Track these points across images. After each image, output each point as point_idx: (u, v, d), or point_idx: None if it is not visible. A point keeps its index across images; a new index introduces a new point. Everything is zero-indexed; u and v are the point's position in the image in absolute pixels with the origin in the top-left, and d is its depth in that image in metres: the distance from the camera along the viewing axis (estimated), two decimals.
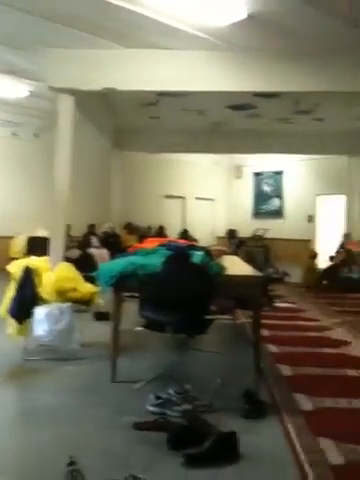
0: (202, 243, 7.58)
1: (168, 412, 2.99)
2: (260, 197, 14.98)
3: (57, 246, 6.84)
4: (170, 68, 7.15)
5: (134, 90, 7.36)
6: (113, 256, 5.17)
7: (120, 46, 7.07)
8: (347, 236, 12.50)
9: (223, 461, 2.47)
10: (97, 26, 6.50)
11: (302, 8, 5.68)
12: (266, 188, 14.90)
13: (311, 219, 14.08)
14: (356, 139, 12.60)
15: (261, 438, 2.80)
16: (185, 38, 6.67)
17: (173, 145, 12.13)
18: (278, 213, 14.62)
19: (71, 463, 2.26)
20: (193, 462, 2.43)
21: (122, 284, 3.58)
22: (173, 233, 12.40)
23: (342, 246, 12.29)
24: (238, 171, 15.29)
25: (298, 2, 5.54)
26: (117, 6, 5.80)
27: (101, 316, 5.43)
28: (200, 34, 6.55)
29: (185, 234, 12.30)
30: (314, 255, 9.73)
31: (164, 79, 7.13)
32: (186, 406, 3.03)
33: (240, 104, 9.65)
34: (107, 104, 10.05)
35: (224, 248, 7.78)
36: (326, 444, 2.69)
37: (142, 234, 11.80)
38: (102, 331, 4.44)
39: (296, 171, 14.26)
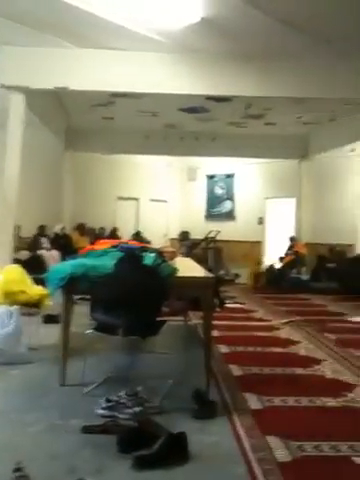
0: (155, 245, 7.59)
1: (118, 415, 2.97)
2: (213, 199, 15.14)
3: (5, 247, 6.69)
4: (123, 69, 7.14)
5: (87, 90, 7.31)
6: (64, 258, 5.10)
7: (73, 46, 7.01)
8: (296, 238, 12.83)
9: (173, 462, 2.48)
10: (50, 25, 6.42)
11: (254, 14, 5.81)
12: (218, 191, 15.09)
13: (261, 221, 14.36)
14: (306, 144, 12.97)
15: (211, 438, 2.82)
16: (139, 40, 6.68)
17: (127, 146, 12.11)
18: (230, 215, 14.83)
19: (18, 469, 2.21)
20: (143, 464, 2.42)
21: (72, 286, 3.53)
22: (126, 235, 12.35)
23: (291, 248, 12.62)
24: (191, 173, 15.40)
25: (250, 8, 5.66)
26: (71, 6, 5.75)
27: (51, 319, 5.33)
28: (154, 36, 6.57)
29: (138, 236, 12.27)
30: (260, 262, 9.89)
31: (117, 80, 7.12)
32: (137, 408, 3.02)
33: (193, 107, 9.74)
34: (60, 104, 9.91)
35: (176, 250, 7.83)
36: (274, 442, 2.75)
37: (95, 235, 11.68)
38: (52, 334, 4.36)
39: (247, 174, 14.51)
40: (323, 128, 11.67)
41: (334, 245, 11.03)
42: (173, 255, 5.20)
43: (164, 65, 7.19)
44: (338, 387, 3.72)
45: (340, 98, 8.35)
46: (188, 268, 4.67)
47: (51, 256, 9.03)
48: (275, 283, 9.15)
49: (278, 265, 12.83)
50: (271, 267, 9.40)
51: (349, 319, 6.60)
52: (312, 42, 6.69)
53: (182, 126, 11.67)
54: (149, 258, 3.75)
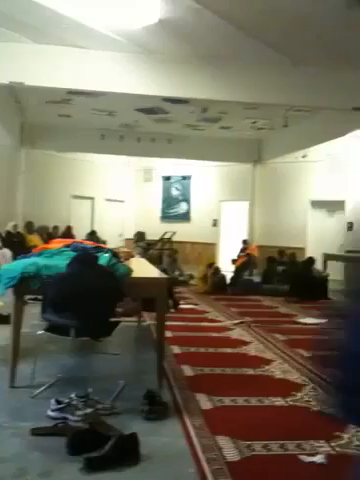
0: (110, 245, 7.54)
1: (69, 417, 2.94)
2: (168, 201, 15.20)
3: None
4: (81, 67, 7.07)
5: (43, 86, 7.18)
6: (16, 257, 4.99)
7: (31, 41, 6.88)
8: (248, 241, 13.07)
9: (124, 463, 2.48)
10: (8, 19, 6.28)
11: (211, 18, 5.87)
12: (174, 192, 15.16)
13: (216, 223, 14.53)
14: (260, 148, 13.24)
15: (162, 438, 2.84)
16: (98, 38, 6.63)
17: (83, 145, 11.99)
18: (185, 217, 14.93)
19: None
20: (93, 466, 2.41)
21: (24, 286, 3.47)
22: (81, 234, 12.20)
23: (243, 250, 12.84)
24: (148, 174, 15.40)
25: (207, 12, 5.72)
26: (30, 0, 5.64)
27: (1, 319, 5.22)
28: (112, 35, 6.54)
29: (93, 235, 12.15)
30: (211, 264, 9.93)
31: (74, 77, 7.04)
32: (87, 410, 3.01)
33: (150, 108, 9.76)
34: (14, 100, 9.70)
35: (131, 250, 7.80)
36: (224, 441, 2.80)
37: (48, 234, 11.48)
38: (1, 335, 4.27)
39: (203, 176, 14.65)
40: (276, 134, 11.95)
41: (284, 248, 11.29)
42: (128, 255, 5.20)
43: (121, 64, 7.17)
44: (287, 387, 3.82)
45: (292, 105, 8.59)
46: (143, 269, 4.67)
47: (2, 255, 8.81)
48: (222, 287, 9.21)
49: (231, 267, 13.03)
50: (216, 270, 9.45)
51: (299, 320, 6.77)
52: (266, 49, 6.83)
53: (139, 126, 11.66)
54: (104, 258, 3.73)
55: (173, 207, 15.16)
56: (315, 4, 5.58)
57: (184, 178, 15.00)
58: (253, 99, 7.79)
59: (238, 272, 10.54)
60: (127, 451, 2.53)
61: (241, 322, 6.36)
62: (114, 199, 14.77)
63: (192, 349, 4.94)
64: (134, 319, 5.93)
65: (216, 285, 9.18)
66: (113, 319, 3.62)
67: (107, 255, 3.82)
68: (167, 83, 7.34)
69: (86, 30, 6.38)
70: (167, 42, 6.76)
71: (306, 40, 6.64)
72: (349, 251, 11.41)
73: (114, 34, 6.51)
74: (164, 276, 4.16)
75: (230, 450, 2.69)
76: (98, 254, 3.79)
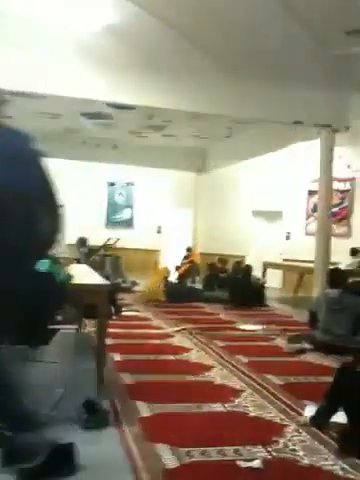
0: (51, 250, 7.39)
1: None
2: (112, 207, 15.09)
3: None
4: (25, 68, 6.91)
5: None
6: None
7: None
8: (192, 248, 13.20)
9: (60, 474, 2.42)
10: None
11: (157, 25, 5.92)
12: (119, 198, 15.07)
13: (159, 230, 14.58)
14: (203, 158, 13.44)
15: (100, 447, 2.80)
16: (44, 40, 6.52)
17: None
18: (129, 223, 14.87)
19: None
20: (27, 477, 2.34)
21: None
22: None
23: (186, 257, 12.95)
24: (91, 179, 15.20)
25: (153, 19, 5.77)
26: None
27: None
28: (60, 38, 6.46)
29: None
30: (166, 273, 9.84)
31: (16, 78, 6.86)
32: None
33: (94, 112, 9.68)
34: None
35: (73, 256, 7.68)
36: (162, 449, 2.79)
37: None
38: None
39: (148, 183, 14.66)
40: (220, 144, 12.18)
41: (226, 256, 11.47)
42: (68, 261, 5.12)
43: (68, 68, 7.08)
44: (226, 393, 3.87)
45: (235, 117, 8.79)
46: (84, 275, 4.60)
47: None
48: (176, 295, 9.20)
49: (174, 274, 13.09)
50: (166, 280, 9.47)
51: (238, 327, 6.90)
52: (212, 60, 6.97)
53: (84, 131, 11.53)
54: (44, 263, 3.64)
55: (117, 213, 15.07)
56: (260, 20, 5.75)
57: (128, 184, 14.95)
58: (197, 109, 7.90)
59: (181, 279, 10.61)
60: (63, 461, 2.47)
61: (182, 329, 6.39)
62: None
63: (133, 356, 4.91)
64: (74, 326, 5.83)
65: (170, 294, 9.10)
66: (52, 326, 3.54)
67: (47, 261, 3.73)
68: (112, 88, 7.31)
69: (31, 31, 6.26)
70: (113, 47, 6.75)
71: (251, 54, 6.83)
72: (286, 260, 11.80)
73: (60, 37, 6.43)
74: (106, 283, 4.12)
75: (169, 457, 2.69)
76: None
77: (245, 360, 4.97)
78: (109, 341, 5.08)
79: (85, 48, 6.75)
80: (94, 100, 7.47)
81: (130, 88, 7.37)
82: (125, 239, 13.92)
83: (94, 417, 3.08)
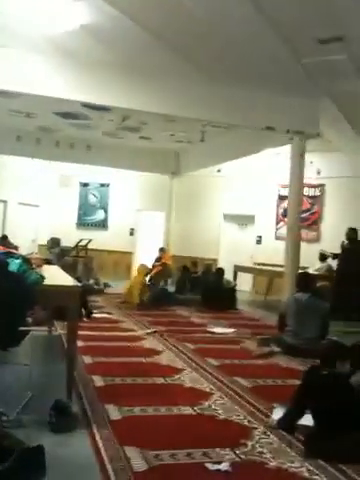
0: (23, 251, 7.30)
1: None
2: (85, 207, 14.98)
3: None
4: (0, 66, 6.83)
5: None
6: None
7: None
8: (164, 250, 13.22)
9: (29, 476, 2.41)
10: None
11: (132, 27, 5.91)
12: (92, 199, 14.97)
13: (133, 232, 14.55)
14: (178, 161, 13.48)
15: (69, 450, 2.80)
16: (18, 38, 6.45)
17: None
18: (102, 224, 14.78)
19: None
20: None
21: None
22: None
23: (158, 260, 12.95)
24: (65, 179, 15.07)
25: (128, 20, 5.76)
26: None
27: None
28: (34, 37, 6.39)
29: (4, 240, 11.66)
30: (148, 272, 9.73)
31: None
32: None
33: (69, 112, 9.62)
34: None
35: (44, 257, 7.60)
36: (131, 452, 2.80)
37: None
38: None
39: (122, 185, 14.62)
40: (194, 147, 12.24)
41: (198, 258, 11.55)
42: (40, 262, 5.07)
43: (41, 67, 7.01)
44: (195, 396, 3.91)
45: (208, 121, 8.86)
46: (55, 276, 4.58)
47: None
48: (156, 299, 9.05)
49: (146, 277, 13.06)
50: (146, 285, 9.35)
51: (209, 329, 6.95)
52: (186, 64, 7.01)
53: (57, 131, 11.43)
54: (15, 264, 3.61)
55: (90, 214, 14.95)
56: (236, 27, 5.81)
57: (102, 185, 14.87)
58: (172, 112, 7.94)
59: (152, 281, 10.60)
60: (32, 464, 2.46)
61: (154, 331, 6.40)
62: (28, 203, 14.28)
63: (104, 359, 4.90)
64: (45, 328, 5.78)
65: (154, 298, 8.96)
66: (22, 328, 3.51)
67: (18, 261, 3.69)
68: (87, 89, 7.28)
69: (6, 29, 6.19)
70: (89, 48, 6.72)
71: (225, 59, 6.89)
72: (257, 263, 11.96)
73: (36, 36, 6.37)
74: (77, 284, 4.10)
75: (137, 460, 2.71)
76: (8, 260, 3.66)
77: (215, 363, 5.02)
78: (80, 343, 5.06)
79: (60, 47, 6.70)
80: (68, 100, 7.41)
81: (105, 89, 7.35)
82: (98, 240, 13.85)
83: (64, 420, 3.07)
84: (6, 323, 3.28)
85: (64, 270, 5.68)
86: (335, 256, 9.39)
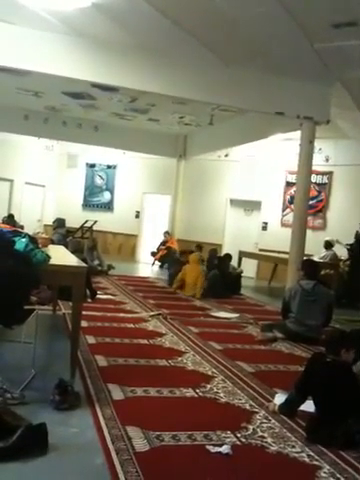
0: (28, 230, 7.30)
1: None
2: (92, 189, 14.95)
3: None
4: (9, 43, 6.76)
5: None
6: None
7: None
8: (168, 234, 13.22)
9: (31, 454, 2.44)
10: None
11: (145, 7, 5.81)
12: (98, 180, 14.94)
13: (138, 215, 14.53)
14: (185, 144, 13.39)
15: (72, 429, 2.82)
16: (28, 16, 6.36)
17: (4, 124, 11.45)
18: (108, 206, 14.77)
19: None
20: None
21: None
22: None
23: (163, 244, 12.96)
24: (71, 160, 15.03)
25: (144, 2, 5.67)
26: None
27: None
28: (44, 15, 6.30)
29: (11, 219, 11.68)
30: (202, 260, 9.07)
31: (0, 53, 6.72)
32: None
33: (77, 92, 9.54)
34: None
35: (50, 236, 7.61)
36: (133, 432, 2.83)
37: None
38: None
39: (128, 167, 14.56)
40: (202, 131, 12.14)
41: (203, 243, 11.53)
42: (46, 242, 5.07)
43: (51, 45, 6.91)
44: (197, 378, 3.93)
45: (219, 104, 8.77)
46: (61, 256, 4.58)
47: None
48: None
49: (150, 259, 13.09)
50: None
51: (212, 314, 6.97)
52: (199, 47, 6.91)
53: (65, 111, 11.36)
54: (21, 243, 3.61)
55: (96, 195, 14.93)
56: (249, 10, 5.71)
57: (109, 167, 14.81)
58: (181, 94, 7.84)
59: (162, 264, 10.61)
60: (35, 441, 2.49)
61: (158, 314, 6.42)
62: (35, 183, 14.28)
63: (107, 340, 4.93)
64: (49, 308, 5.81)
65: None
66: (27, 307, 3.52)
67: (24, 240, 3.69)
68: (97, 69, 7.20)
69: (16, 6, 6.10)
70: (100, 27, 6.62)
71: (239, 43, 6.77)
72: (262, 250, 11.93)
73: (45, 13, 6.28)
74: (82, 265, 4.10)
75: (139, 440, 2.73)
76: (15, 238, 3.66)
77: (218, 347, 5.04)
78: (84, 324, 5.10)
79: (71, 25, 6.61)
80: (77, 79, 7.33)
81: (116, 69, 7.26)
82: (103, 222, 13.85)
83: (66, 398, 3.09)
84: (11, 301, 3.29)
85: (69, 250, 5.69)
86: (350, 246, 9.33)
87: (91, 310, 6.04)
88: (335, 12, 5.60)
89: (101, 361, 4.16)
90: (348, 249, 9.39)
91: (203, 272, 8.65)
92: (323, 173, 11.79)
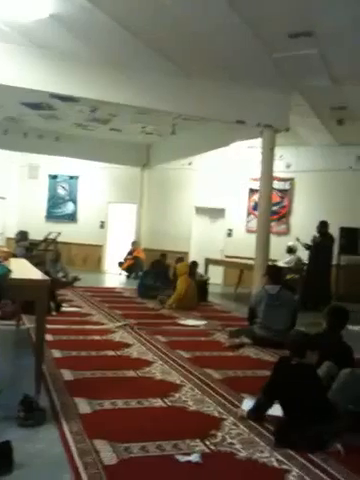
0: None
1: None
2: (54, 200, 14.76)
3: None
4: None
5: None
6: None
7: None
8: (135, 243, 13.18)
9: None
10: None
11: (102, 18, 5.82)
12: (61, 191, 14.76)
13: (103, 225, 14.43)
14: (148, 153, 13.43)
15: (38, 445, 2.76)
16: None
17: None
18: (72, 217, 14.60)
19: None
20: None
21: None
22: None
23: (130, 253, 12.91)
24: (33, 171, 14.81)
25: (98, 11, 5.66)
26: None
27: None
28: (2, 26, 6.23)
29: None
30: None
31: None
32: None
33: (37, 103, 9.44)
34: None
35: (11, 250, 7.46)
36: (101, 445, 2.78)
37: None
38: None
39: (91, 177, 14.45)
40: (165, 140, 12.20)
41: (169, 252, 11.52)
42: (8, 255, 4.97)
43: (8, 56, 6.85)
44: (166, 388, 3.91)
45: (180, 113, 8.84)
46: (23, 270, 4.49)
47: None
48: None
49: (118, 270, 13.01)
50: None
51: (180, 322, 6.96)
52: (159, 58, 6.96)
53: (25, 121, 11.21)
54: None
55: (59, 207, 14.74)
56: (208, 22, 5.79)
57: (71, 178, 14.67)
58: (143, 104, 7.88)
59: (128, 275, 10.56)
60: (0, 460, 2.42)
61: (125, 325, 6.37)
62: None
63: (73, 353, 4.85)
64: (12, 322, 5.68)
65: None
66: None
67: None
68: (56, 79, 7.16)
69: None
70: (59, 38, 6.59)
71: (199, 54, 6.86)
72: (227, 256, 12.03)
73: (3, 25, 6.21)
74: (45, 278, 4.03)
75: (107, 453, 2.69)
76: None
77: (186, 355, 5.03)
78: (49, 337, 5.01)
79: (30, 36, 6.55)
80: (36, 90, 7.26)
81: (75, 80, 7.24)
82: (68, 233, 13.68)
83: (32, 414, 3.02)
84: None
85: (32, 264, 5.59)
86: (308, 247, 9.54)
87: (56, 323, 5.94)
88: (292, 22, 5.74)
89: (67, 375, 4.09)
90: (306, 248, 9.59)
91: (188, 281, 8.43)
92: (285, 179, 11.99)
